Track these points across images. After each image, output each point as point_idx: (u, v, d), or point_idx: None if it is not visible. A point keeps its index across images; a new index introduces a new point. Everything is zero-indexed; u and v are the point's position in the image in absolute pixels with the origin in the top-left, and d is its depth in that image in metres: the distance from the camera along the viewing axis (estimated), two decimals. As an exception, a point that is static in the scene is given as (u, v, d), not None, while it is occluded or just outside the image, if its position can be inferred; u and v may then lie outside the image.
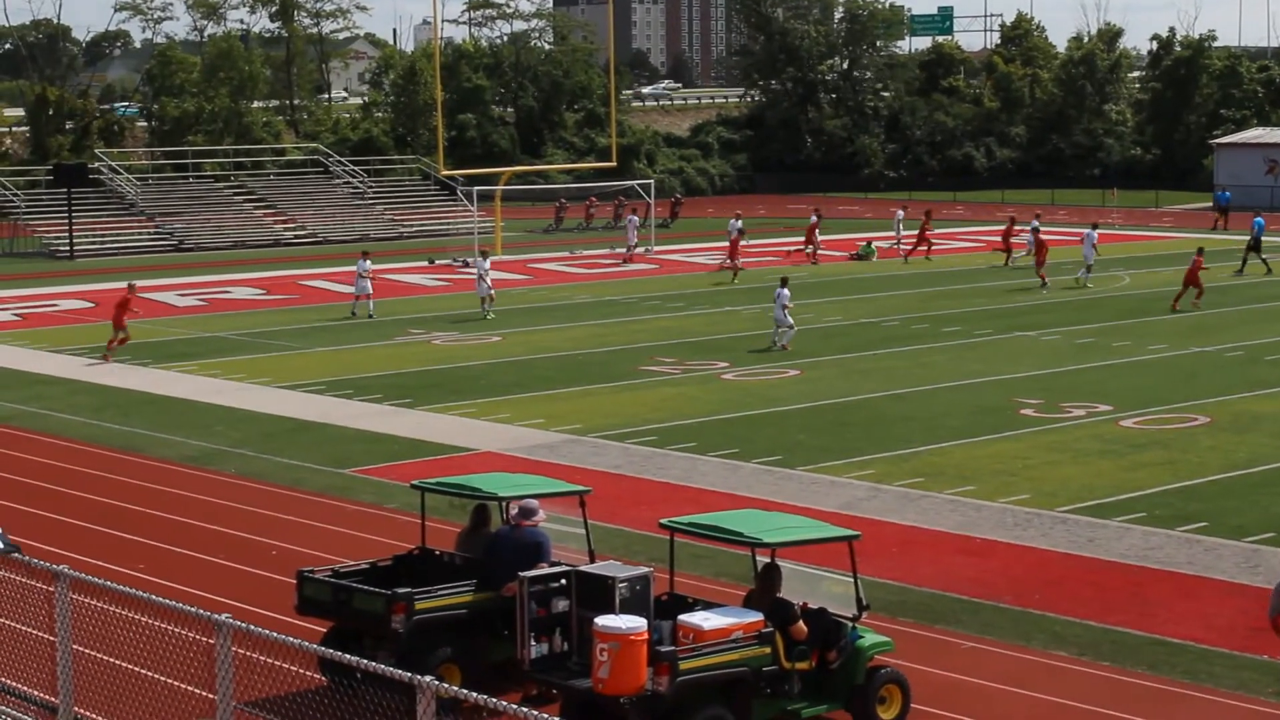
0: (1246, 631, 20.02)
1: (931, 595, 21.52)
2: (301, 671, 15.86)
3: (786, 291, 42.20)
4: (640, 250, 67.86)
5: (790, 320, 42.20)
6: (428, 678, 11.76)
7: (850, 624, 17.00)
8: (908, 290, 54.99)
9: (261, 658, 15.05)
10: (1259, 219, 62.14)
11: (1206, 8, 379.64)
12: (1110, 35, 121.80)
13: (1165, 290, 54.47)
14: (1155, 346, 42.31)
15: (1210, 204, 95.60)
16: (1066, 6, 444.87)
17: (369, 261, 51.22)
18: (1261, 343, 42.72)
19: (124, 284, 45.79)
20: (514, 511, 18.12)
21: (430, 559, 18.86)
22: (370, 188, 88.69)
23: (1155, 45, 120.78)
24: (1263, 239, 60.78)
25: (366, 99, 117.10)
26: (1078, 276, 56.12)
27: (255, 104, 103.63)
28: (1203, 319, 47.54)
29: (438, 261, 66.74)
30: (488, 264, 50.21)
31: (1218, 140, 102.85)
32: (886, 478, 28.00)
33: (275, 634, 13.48)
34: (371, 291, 50.20)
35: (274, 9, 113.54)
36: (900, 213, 70.22)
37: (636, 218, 68.46)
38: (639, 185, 78.62)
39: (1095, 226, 58.65)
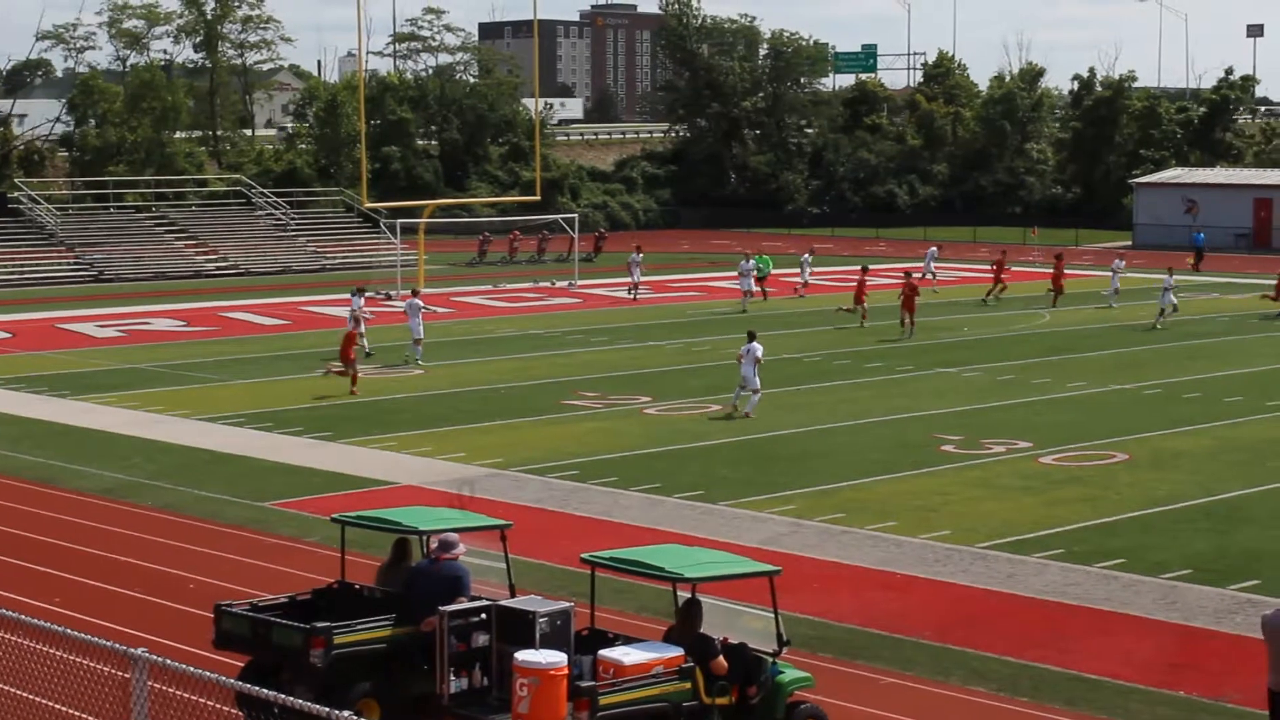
0: (1164, 668, 20.16)
1: (852, 631, 21.55)
2: (219, 707, 15.68)
3: (758, 345, 38.23)
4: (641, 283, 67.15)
5: (759, 382, 37.99)
6: (346, 713, 11.65)
7: (771, 659, 16.99)
8: (830, 326, 55.16)
9: (178, 692, 14.88)
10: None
11: (1127, 49, 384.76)
12: (1032, 75, 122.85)
13: (1086, 328, 55.00)
14: (1075, 383, 42.60)
15: (1130, 242, 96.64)
16: (988, 45, 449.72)
17: (362, 298, 49.85)
18: (1180, 380, 43.09)
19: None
20: (434, 545, 18.03)
21: (350, 593, 18.72)
22: (293, 219, 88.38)
23: (1076, 85, 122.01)
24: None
25: (290, 130, 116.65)
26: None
27: (178, 134, 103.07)
28: (1122, 356, 47.91)
29: (369, 294, 66.45)
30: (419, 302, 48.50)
31: (1137, 180, 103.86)
32: (808, 513, 28.04)
33: (192, 668, 13.33)
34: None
35: (198, 39, 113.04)
36: (808, 256, 69.24)
37: (639, 255, 67.38)
38: (563, 219, 78.67)
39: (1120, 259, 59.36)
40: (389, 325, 52.71)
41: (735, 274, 64.18)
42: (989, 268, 65.85)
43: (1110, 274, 64.58)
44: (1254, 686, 19.07)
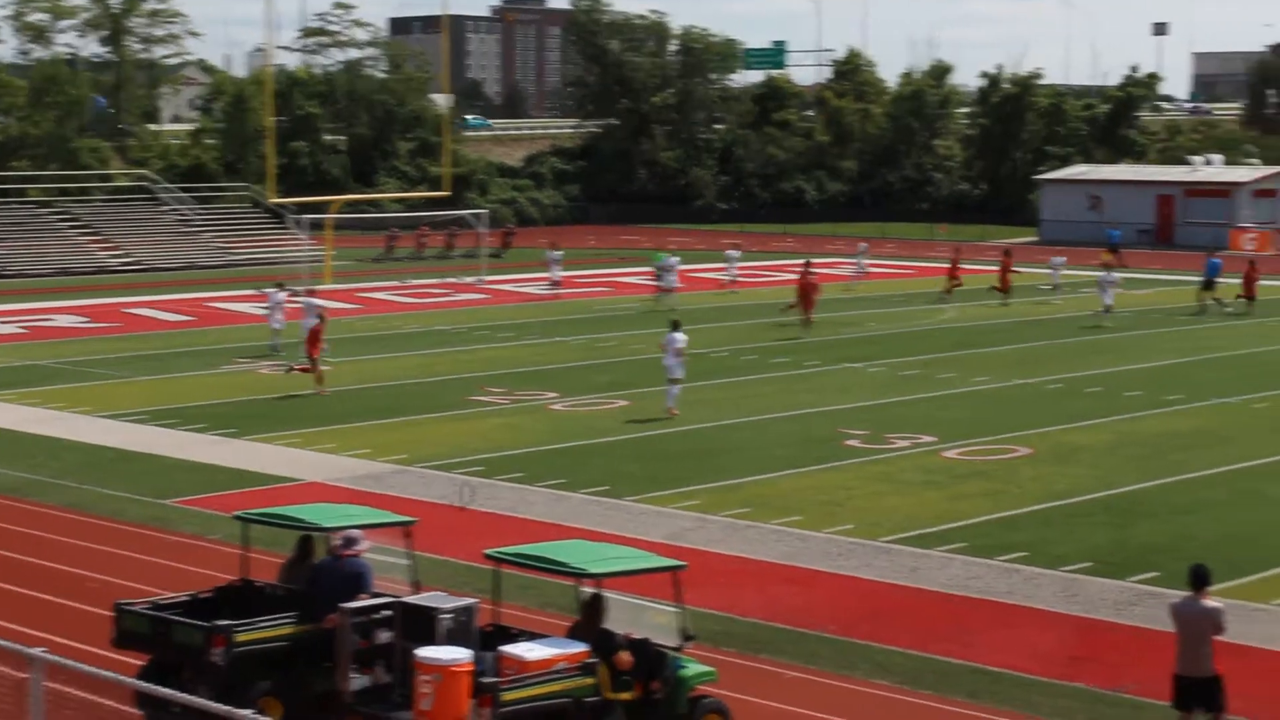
0: (1065, 660, 20.35)
1: (756, 625, 21.63)
2: (118, 706, 15.57)
3: (681, 335, 37.58)
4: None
5: (682, 372, 37.28)
6: (247, 711, 11.63)
7: (674, 654, 17.04)
8: (737, 321, 55.33)
9: (76, 692, 14.75)
10: (1215, 259, 61.66)
11: (1034, 46, 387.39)
12: (940, 72, 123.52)
13: (991, 323, 55.41)
14: (979, 378, 42.92)
15: (1035, 238, 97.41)
16: (897, 43, 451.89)
17: (283, 293, 48.73)
18: (1081, 375, 43.48)
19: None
20: (336, 542, 17.97)
21: (252, 591, 18.64)
22: (198, 215, 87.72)
23: (984, 82, 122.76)
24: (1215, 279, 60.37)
25: (197, 125, 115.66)
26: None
27: (83, 129, 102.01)
28: (1025, 351, 48.30)
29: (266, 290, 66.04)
30: (283, 296, 48.02)
31: (1043, 176, 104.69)
32: (713, 508, 28.12)
33: (91, 668, 13.26)
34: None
35: (104, 33, 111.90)
36: (735, 253, 69.37)
37: (558, 252, 66.53)
38: (471, 215, 78.50)
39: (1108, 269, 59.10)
40: (296, 320, 52.39)
41: (649, 270, 64.14)
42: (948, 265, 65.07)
43: (1050, 271, 65.73)
44: (1152, 677, 19.33)
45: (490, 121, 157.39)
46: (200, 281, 71.31)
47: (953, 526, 26.87)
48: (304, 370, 40.78)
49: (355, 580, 17.39)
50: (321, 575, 17.71)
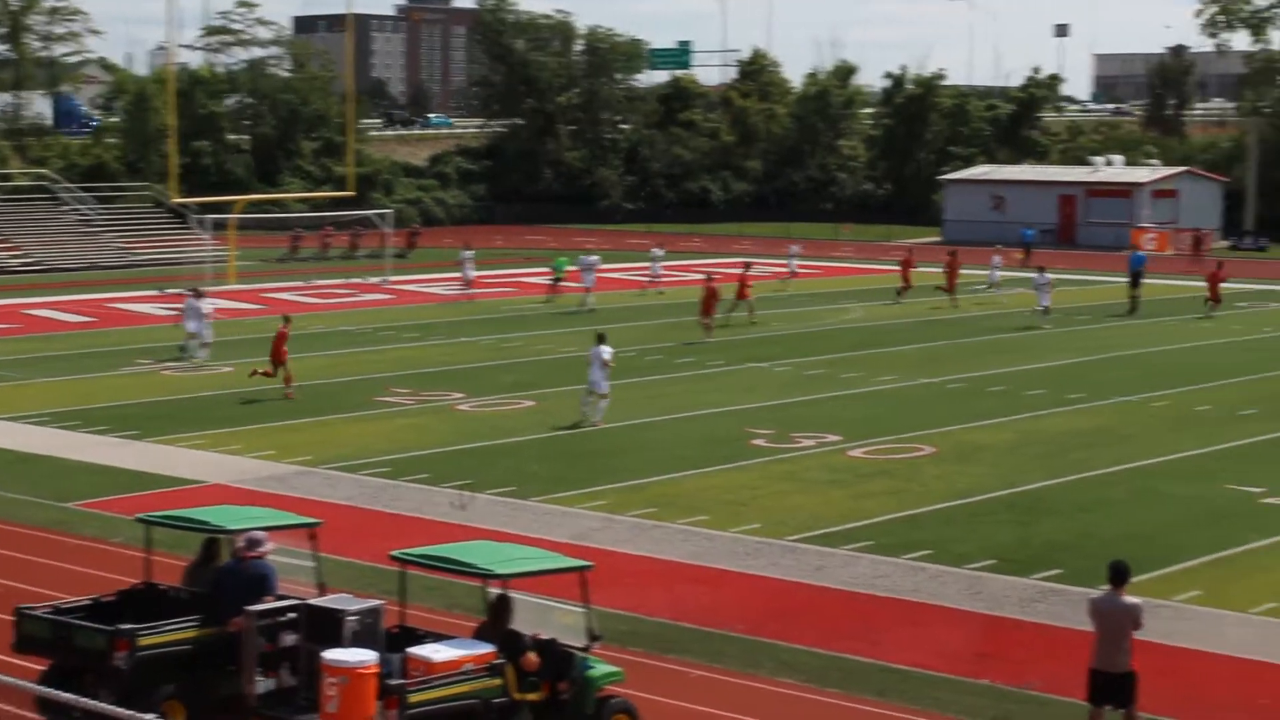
0: (971, 657, 20.49)
1: (663, 625, 21.65)
2: (18, 712, 15.43)
3: (606, 348, 36.13)
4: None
5: (607, 386, 36.13)
6: (150, 716, 11.54)
7: (581, 654, 17.03)
8: (644, 321, 55.35)
9: (-25, 698, 14.62)
10: (1139, 253, 61.64)
11: (937, 47, 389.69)
12: (844, 72, 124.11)
13: (894, 322, 55.72)
14: (884, 378, 43.14)
15: (939, 238, 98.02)
16: (802, 44, 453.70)
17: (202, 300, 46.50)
18: (984, 374, 43.79)
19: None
20: (240, 544, 17.84)
21: (156, 594, 18.48)
22: (100, 215, 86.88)
23: (888, 83, 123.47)
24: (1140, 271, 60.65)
25: (97, 124, 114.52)
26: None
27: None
28: (929, 351, 48.59)
29: (168, 291, 65.51)
30: (201, 303, 46.23)
31: (947, 176, 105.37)
32: (619, 508, 28.13)
33: (-11, 673, 13.11)
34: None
35: (3, 30, 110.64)
36: (660, 251, 68.78)
37: (470, 251, 65.38)
38: (376, 215, 78.16)
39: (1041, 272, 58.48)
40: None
41: (548, 270, 64.03)
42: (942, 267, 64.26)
43: (990, 270, 65.79)
44: (1056, 673, 19.54)
45: (451, 120, 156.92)
46: (102, 282, 70.60)
47: (858, 525, 27.00)
48: (267, 374, 40.09)
49: (259, 583, 17.28)
50: (225, 578, 17.58)
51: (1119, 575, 17.08)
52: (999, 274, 66.31)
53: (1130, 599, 17.05)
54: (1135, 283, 60.17)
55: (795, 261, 69.69)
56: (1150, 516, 27.87)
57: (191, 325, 45.69)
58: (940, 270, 62.53)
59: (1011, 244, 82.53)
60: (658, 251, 68.73)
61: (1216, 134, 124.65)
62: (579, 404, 36.53)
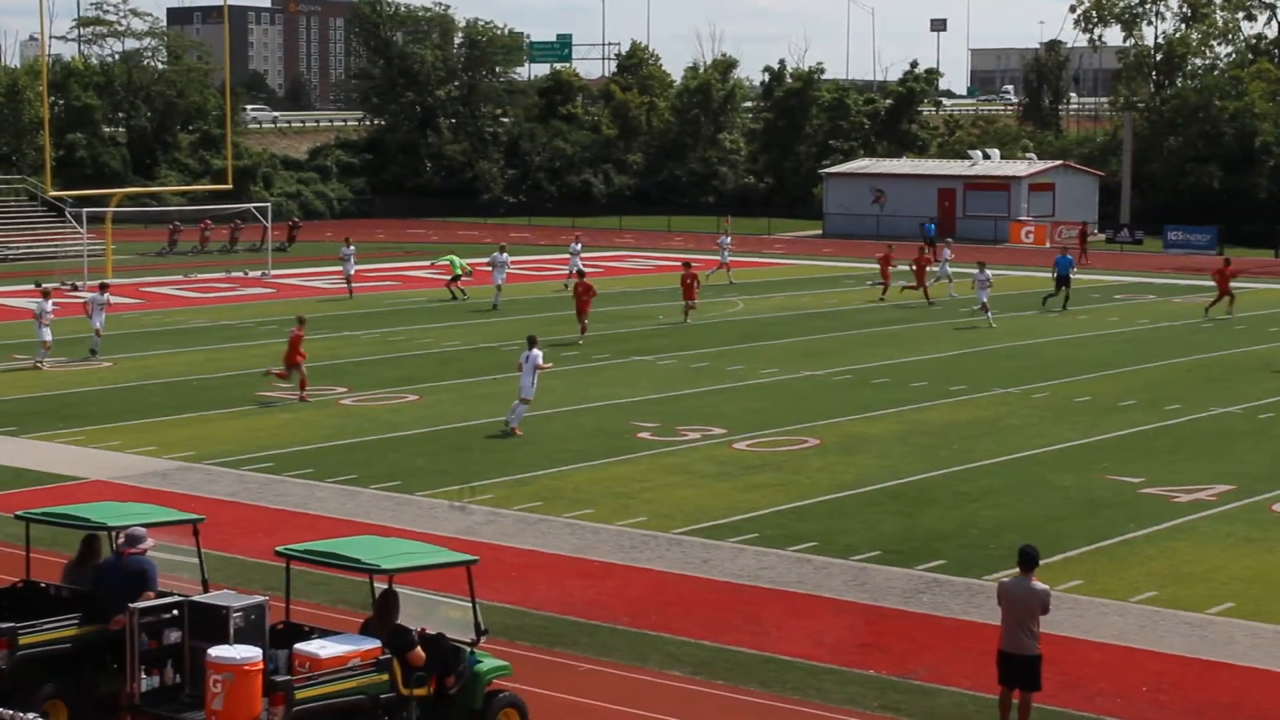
0: (855, 647, 20.61)
1: (549, 618, 21.63)
2: (-105, 712, 15.17)
3: (538, 352, 34.84)
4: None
5: (534, 392, 34.76)
6: (31, 715, 11.37)
7: (468, 649, 16.98)
8: (527, 315, 55.25)
9: None
10: (1065, 257, 60.40)
11: (816, 41, 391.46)
12: (725, 66, 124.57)
13: (777, 315, 55.95)
14: (767, 370, 43.31)
15: (820, 231, 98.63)
16: (681, 38, 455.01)
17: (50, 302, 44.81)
18: (868, 366, 44.09)
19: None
20: (119, 540, 17.64)
21: (35, 592, 18.22)
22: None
23: (767, 77, 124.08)
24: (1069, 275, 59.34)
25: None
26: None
27: None
28: (813, 343, 48.82)
29: (45, 285, 64.64)
30: (49, 305, 44.27)
31: (827, 170, 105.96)
32: (505, 502, 28.08)
33: None
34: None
35: None
36: (578, 245, 67.26)
37: (351, 247, 62.79)
38: (255, 208, 77.53)
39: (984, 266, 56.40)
40: (76, 316, 51.37)
41: (429, 264, 63.43)
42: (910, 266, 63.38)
43: (940, 264, 64.83)
44: (941, 663, 19.70)
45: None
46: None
47: (744, 518, 27.08)
48: (281, 376, 38.99)
49: (139, 579, 17.10)
50: (105, 575, 17.39)
51: (1028, 560, 17.48)
52: (949, 268, 64.95)
53: (1038, 584, 17.43)
54: (1063, 284, 58.75)
55: (727, 254, 68.94)
56: (1032, 506, 28.14)
57: (97, 321, 44.71)
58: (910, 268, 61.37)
59: (901, 238, 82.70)
60: (576, 245, 67.29)
61: (1091, 128, 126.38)
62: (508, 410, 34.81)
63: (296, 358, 38.40)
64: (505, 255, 60.50)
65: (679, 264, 58.30)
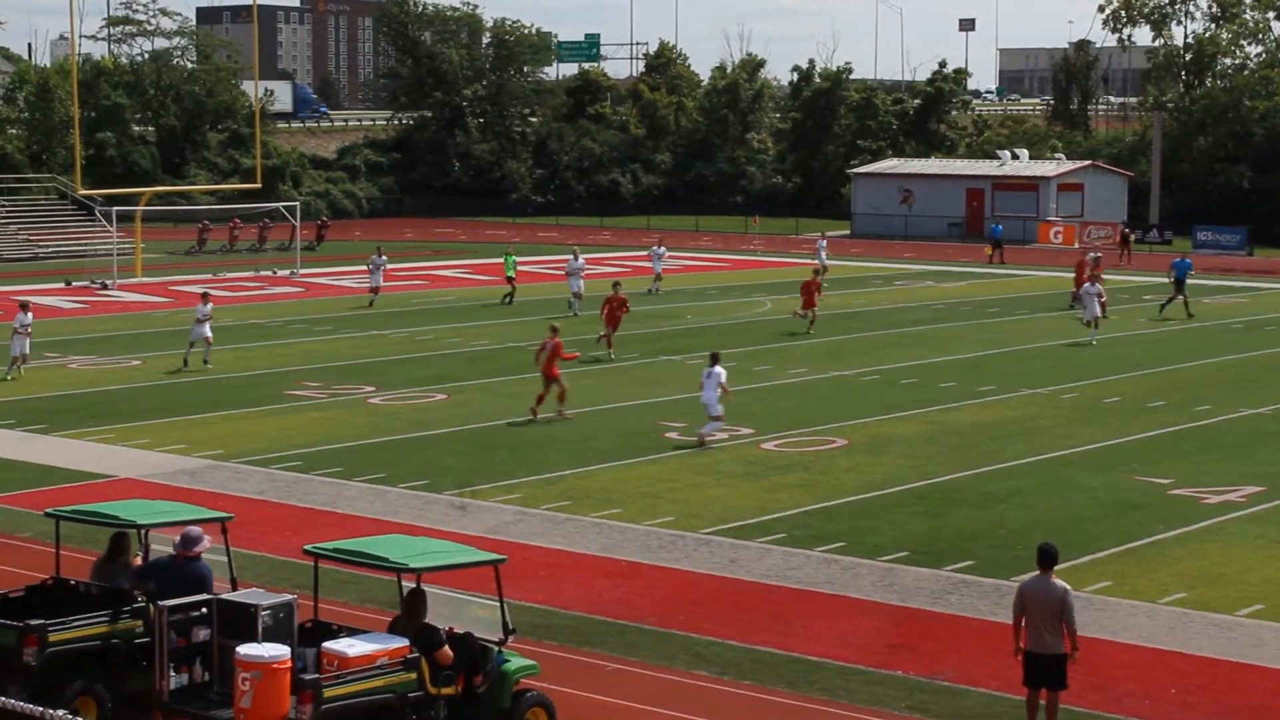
0: (882, 648, 20.57)
1: (577, 618, 21.62)
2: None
3: (721, 370, 33.41)
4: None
5: (721, 409, 33.18)
6: (60, 712, 11.40)
7: (496, 648, 16.99)
8: (557, 315, 55.17)
9: (-117, 695, 14.41)
10: (1185, 260, 58.52)
11: (844, 41, 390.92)
12: (753, 66, 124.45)
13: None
14: (796, 370, 43.26)
15: (849, 231, 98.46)
16: (710, 37, 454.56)
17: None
18: (896, 367, 44.01)
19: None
20: (176, 541, 17.64)
21: (65, 589, 18.29)
22: (3, 207, 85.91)
23: (795, 76, 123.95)
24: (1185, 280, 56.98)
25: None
26: None
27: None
28: (841, 344, 48.75)
29: (75, 284, 64.91)
30: (28, 317, 42.33)
31: (855, 170, 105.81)
32: (533, 501, 28.08)
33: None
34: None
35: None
36: (660, 248, 65.72)
37: (383, 257, 60.72)
38: (284, 207, 77.69)
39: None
40: (105, 314, 51.64)
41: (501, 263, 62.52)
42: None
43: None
44: (969, 664, 19.65)
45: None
46: (5, 275, 69.80)
47: (771, 518, 27.05)
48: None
49: (198, 585, 17.07)
50: (161, 577, 17.37)
51: (1047, 558, 17.42)
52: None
53: (1059, 582, 17.37)
54: (1180, 289, 56.77)
55: (824, 254, 68.03)
56: (1060, 507, 28.06)
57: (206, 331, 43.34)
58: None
59: (929, 238, 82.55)
60: (660, 249, 65.56)
61: (1120, 128, 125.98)
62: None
63: (555, 370, 36.23)
64: (581, 260, 57.91)
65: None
